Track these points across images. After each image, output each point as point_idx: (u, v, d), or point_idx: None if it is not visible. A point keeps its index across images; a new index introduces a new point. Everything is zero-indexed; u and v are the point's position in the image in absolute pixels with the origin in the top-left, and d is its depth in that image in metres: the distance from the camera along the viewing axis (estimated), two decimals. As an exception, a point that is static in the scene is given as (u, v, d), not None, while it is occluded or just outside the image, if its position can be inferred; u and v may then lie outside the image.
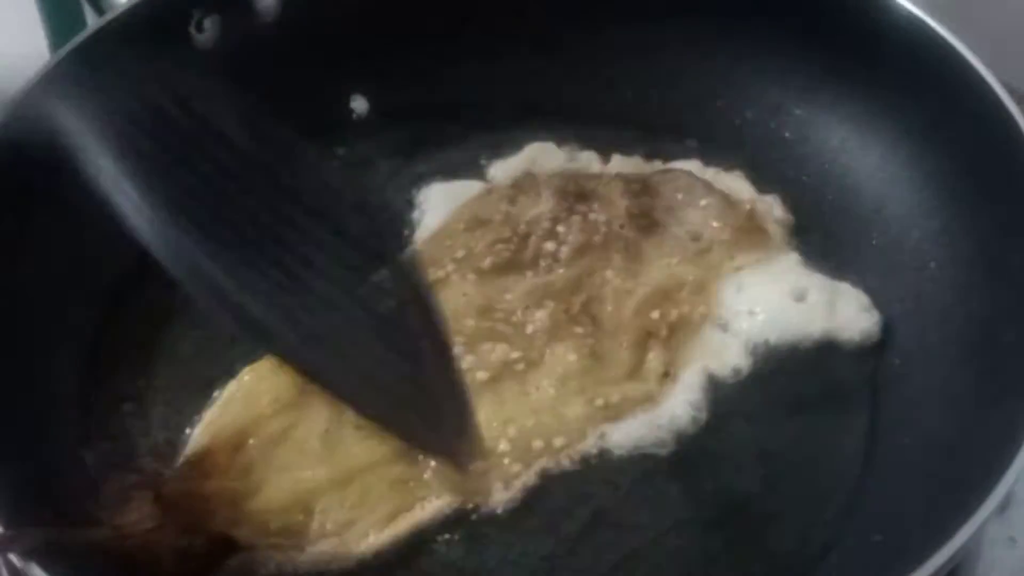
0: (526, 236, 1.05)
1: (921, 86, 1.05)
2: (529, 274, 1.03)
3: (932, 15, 1.04)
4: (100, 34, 1.05)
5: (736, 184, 1.12)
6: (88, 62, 1.03)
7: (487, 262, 1.04)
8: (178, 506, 0.88)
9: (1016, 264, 0.95)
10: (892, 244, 1.06)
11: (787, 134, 1.15)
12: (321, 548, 0.90)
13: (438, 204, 1.11)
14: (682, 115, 1.17)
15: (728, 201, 1.09)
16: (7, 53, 1.20)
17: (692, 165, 1.13)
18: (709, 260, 1.05)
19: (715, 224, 1.07)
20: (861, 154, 1.11)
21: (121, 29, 1.06)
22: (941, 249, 1.03)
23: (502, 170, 1.14)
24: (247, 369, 0.98)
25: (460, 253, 1.04)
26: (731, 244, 1.06)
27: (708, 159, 1.14)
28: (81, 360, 1.00)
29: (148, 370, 1.01)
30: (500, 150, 1.15)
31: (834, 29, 1.10)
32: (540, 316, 1.00)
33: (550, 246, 1.05)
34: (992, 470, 0.80)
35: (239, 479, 0.92)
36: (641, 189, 1.09)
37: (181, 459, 0.93)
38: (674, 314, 1.01)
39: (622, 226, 1.06)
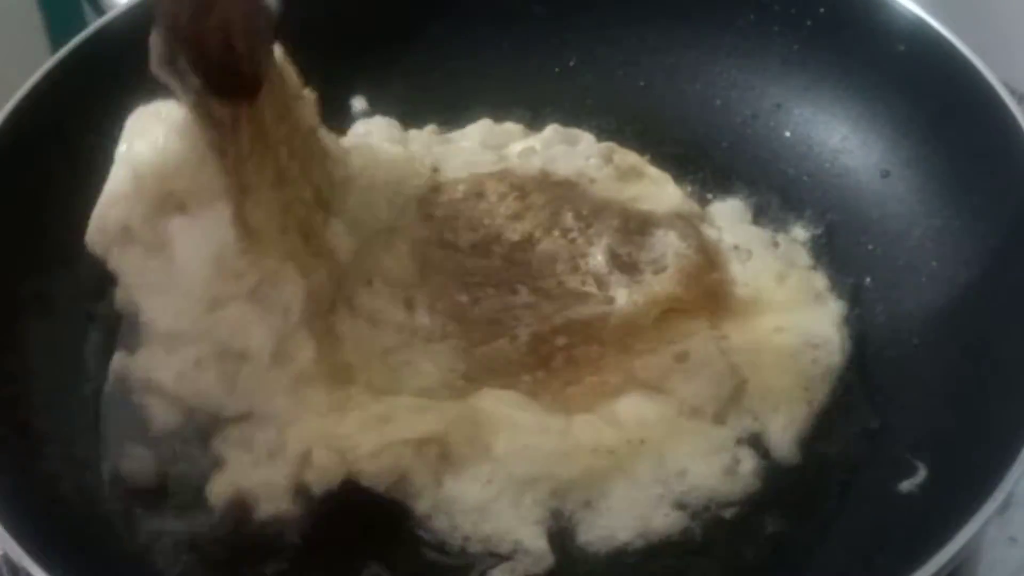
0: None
1: (922, 86, 1.05)
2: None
3: (933, 15, 1.04)
4: (100, 34, 1.05)
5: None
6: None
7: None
8: None
9: (1017, 264, 0.95)
10: (892, 244, 1.06)
11: (787, 134, 1.15)
12: None
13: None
14: (682, 114, 1.17)
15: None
16: (7, 53, 1.21)
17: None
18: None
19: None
20: (861, 154, 1.11)
21: (121, 29, 1.06)
22: (941, 248, 1.03)
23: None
24: None
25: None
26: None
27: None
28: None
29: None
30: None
31: (834, 29, 1.10)
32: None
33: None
34: (992, 470, 0.81)
35: None
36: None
37: None
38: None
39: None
